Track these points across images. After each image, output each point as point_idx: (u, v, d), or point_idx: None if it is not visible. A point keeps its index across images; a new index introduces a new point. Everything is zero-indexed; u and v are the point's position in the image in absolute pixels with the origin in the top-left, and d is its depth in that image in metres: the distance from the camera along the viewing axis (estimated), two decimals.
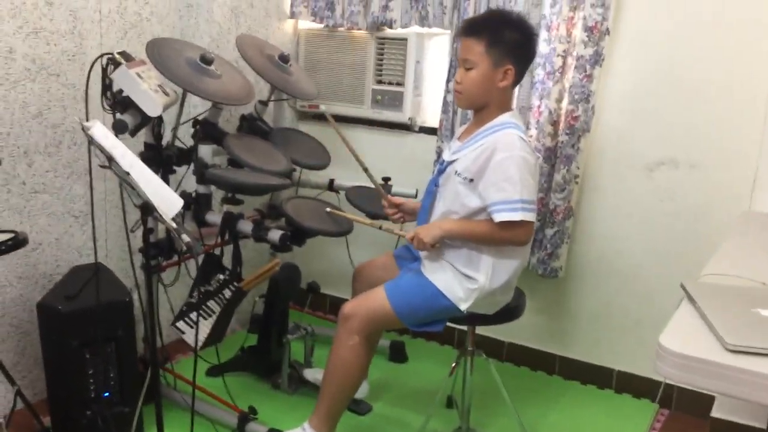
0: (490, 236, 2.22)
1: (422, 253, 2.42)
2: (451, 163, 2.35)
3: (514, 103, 2.98)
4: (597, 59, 2.83)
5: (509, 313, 2.47)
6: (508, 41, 2.24)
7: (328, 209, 2.58)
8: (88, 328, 2.37)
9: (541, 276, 3.06)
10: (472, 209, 2.26)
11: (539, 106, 2.98)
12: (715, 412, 2.77)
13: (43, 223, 2.65)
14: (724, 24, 2.69)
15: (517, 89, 2.97)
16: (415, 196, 3.02)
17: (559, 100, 2.93)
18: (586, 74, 2.85)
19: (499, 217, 2.17)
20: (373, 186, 2.66)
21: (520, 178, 2.15)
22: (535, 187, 2.24)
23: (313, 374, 2.93)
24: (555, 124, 2.96)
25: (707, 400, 2.84)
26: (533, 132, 3.02)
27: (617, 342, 3.10)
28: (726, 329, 1.30)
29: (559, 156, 2.94)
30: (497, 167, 2.17)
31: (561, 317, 3.22)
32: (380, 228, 2.40)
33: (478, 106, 2.34)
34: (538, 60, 2.94)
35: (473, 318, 2.39)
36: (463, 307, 2.31)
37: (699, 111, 2.79)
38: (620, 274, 3.04)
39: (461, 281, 2.31)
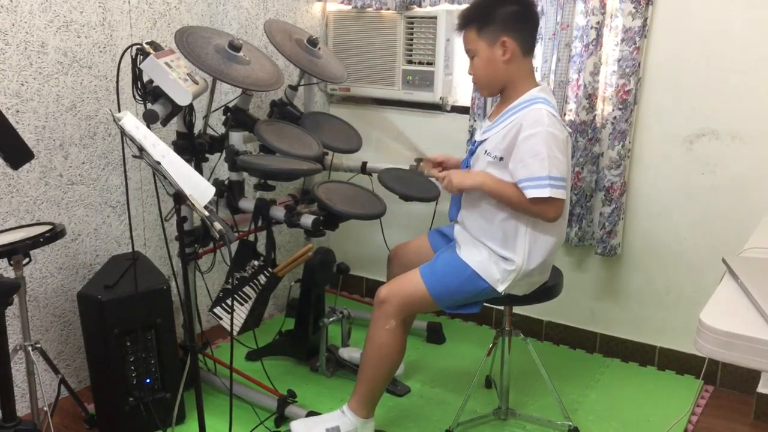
0: (522, 205, 2.18)
1: (457, 233, 2.41)
2: (481, 143, 2.32)
3: (552, 78, 2.95)
4: (644, 31, 2.77)
5: (547, 292, 2.44)
6: (497, 18, 2.22)
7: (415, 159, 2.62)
8: (128, 316, 2.40)
9: (601, 255, 3.01)
10: None
11: (577, 80, 2.93)
12: (762, 388, 2.72)
13: (81, 214, 2.70)
14: None
15: (553, 63, 2.94)
16: None
17: (594, 73, 2.88)
18: (635, 46, 2.78)
19: (528, 194, 2.13)
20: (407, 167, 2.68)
21: (548, 154, 2.11)
22: (566, 163, 2.19)
23: (348, 353, 2.94)
24: (591, 97, 2.90)
25: (753, 376, 2.79)
26: (572, 106, 2.97)
27: (659, 318, 3.05)
28: None
29: (612, 132, 2.88)
30: (524, 144, 2.13)
31: (600, 294, 3.17)
32: (418, 164, 2.48)
33: (498, 88, 2.33)
34: (575, 33, 2.89)
35: (510, 298, 2.37)
36: (501, 288, 2.29)
37: (739, 81, 2.71)
38: (660, 249, 2.98)
39: (498, 262, 2.28)
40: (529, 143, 2.13)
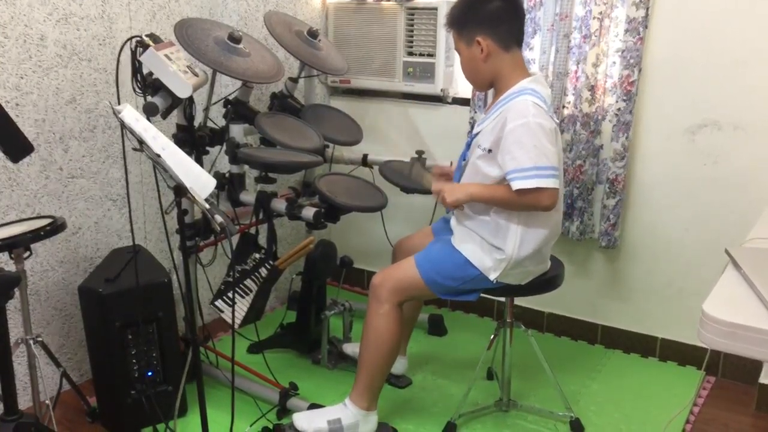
0: (514, 202, 2.19)
1: (453, 224, 2.42)
2: (476, 135, 2.34)
3: (551, 69, 2.94)
4: (647, 21, 2.76)
5: (548, 283, 2.44)
6: (472, 19, 2.27)
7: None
8: (129, 310, 2.40)
9: (605, 248, 3.00)
10: (493, 179, 2.24)
11: (576, 71, 2.91)
12: (764, 379, 2.72)
13: (82, 207, 2.69)
14: None
15: (552, 55, 2.92)
16: None
17: (596, 65, 2.86)
18: (639, 37, 2.76)
19: (514, 186, 2.14)
20: (408, 161, 2.66)
21: (535, 144, 2.11)
22: (555, 152, 2.18)
23: (352, 348, 2.94)
24: (593, 89, 2.89)
25: (755, 367, 2.78)
26: (570, 98, 2.95)
27: (661, 309, 3.05)
28: None
29: (616, 124, 2.86)
30: (510, 135, 2.14)
31: (602, 286, 3.17)
32: (411, 167, 2.50)
33: (486, 83, 2.37)
34: (574, 23, 2.87)
35: (508, 289, 2.37)
36: (492, 276, 2.30)
37: (741, 72, 2.69)
38: (662, 240, 2.98)
39: (489, 251, 2.30)
40: (515, 135, 2.13)
